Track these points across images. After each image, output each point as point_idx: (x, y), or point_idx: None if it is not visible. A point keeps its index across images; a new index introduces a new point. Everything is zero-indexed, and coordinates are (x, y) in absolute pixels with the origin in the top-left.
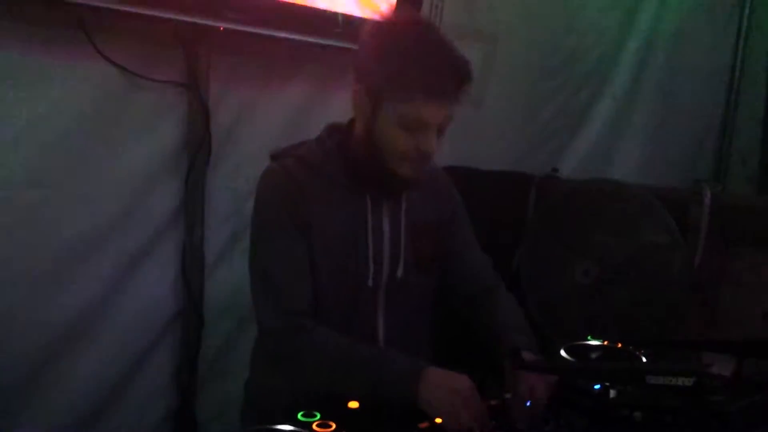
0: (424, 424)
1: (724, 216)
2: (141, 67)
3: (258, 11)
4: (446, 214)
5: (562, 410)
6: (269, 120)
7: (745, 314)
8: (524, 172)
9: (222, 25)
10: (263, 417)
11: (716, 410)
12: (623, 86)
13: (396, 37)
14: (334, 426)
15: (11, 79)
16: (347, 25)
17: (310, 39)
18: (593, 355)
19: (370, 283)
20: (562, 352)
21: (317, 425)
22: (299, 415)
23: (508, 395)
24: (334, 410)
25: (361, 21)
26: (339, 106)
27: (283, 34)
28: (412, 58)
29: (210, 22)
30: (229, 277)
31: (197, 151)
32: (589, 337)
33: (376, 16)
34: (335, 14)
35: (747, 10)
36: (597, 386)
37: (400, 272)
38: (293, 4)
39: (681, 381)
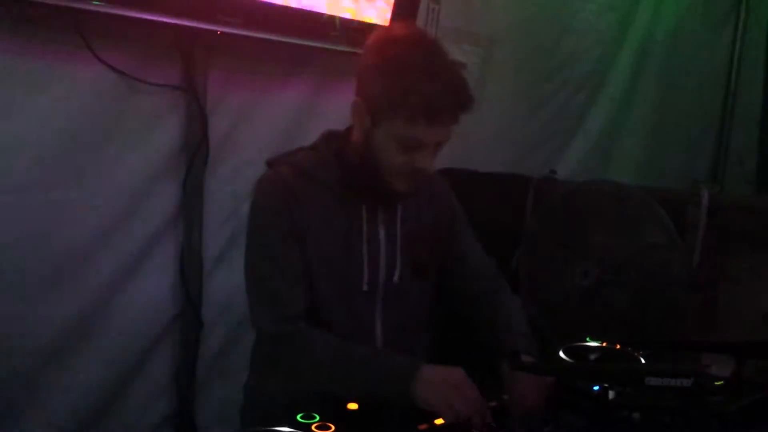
0: (423, 426)
1: (722, 216)
2: (138, 71)
3: (255, 15)
4: (443, 218)
5: (562, 411)
6: (267, 123)
7: (744, 315)
8: (522, 174)
9: (219, 29)
10: (262, 419)
11: (715, 411)
12: (621, 88)
13: (399, 56)
14: (333, 428)
15: (10, 84)
16: (345, 28)
17: (308, 42)
18: (592, 357)
19: (365, 287)
20: (561, 354)
21: (316, 427)
22: (298, 417)
23: (506, 397)
24: (333, 412)
25: (358, 24)
26: (336, 109)
27: (280, 38)
28: (414, 82)
29: (207, 26)
30: (228, 279)
31: (195, 154)
32: (588, 339)
33: (379, 27)
34: (333, 17)
35: (743, 12)
36: (596, 387)
37: (396, 278)
38: (290, 8)
39: (680, 382)
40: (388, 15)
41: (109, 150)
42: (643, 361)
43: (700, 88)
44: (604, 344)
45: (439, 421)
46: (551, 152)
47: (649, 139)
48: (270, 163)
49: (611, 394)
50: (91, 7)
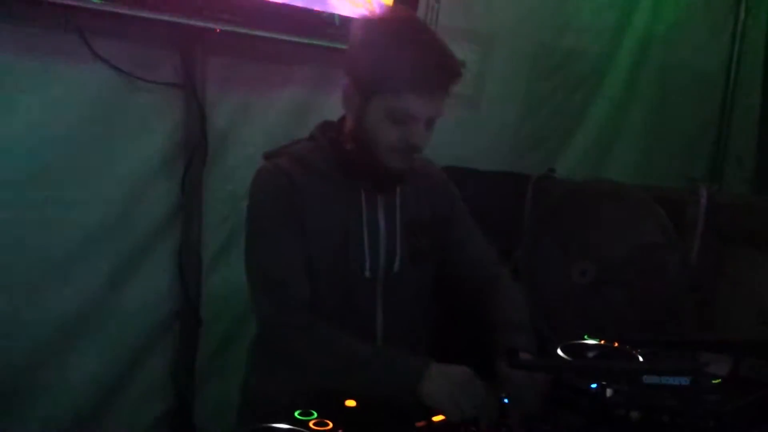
0: (420, 423)
1: (720, 216)
2: (137, 69)
3: (254, 13)
4: (442, 209)
5: (559, 409)
6: (265, 121)
7: (742, 313)
8: (521, 172)
9: (218, 27)
10: (260, 416)
11: (712, 410)
12: (619, 87)
13: (385, 32)
14: (331, 425)
15: (8, 82)
16: (343, 26)
17: (306, 40)
18: (590, 355)
19: (367, 274)
20: (559, 351)
21: (314, 424)
22: (296, 414)
23: (503, 395)
24: (331, 409)
25: None
26: (335, 107)
27: (278, 36)
28: (401, 53)
29: (206, 24)
30: (227, 277)
31: (194, 152)
32: (586, 337)
33: (366, 13)
34: (331, 15)
35: (742, 11)
36: (594, 385)
37: (396, 266)
38: (289, 6)
39: (678, 380)
40: None
41: (107, 147)
42: (641, 359)
43: (699, 87)
44: (602, 342)
45: (437, 419)
46: (550, 151)
47: (648, 139)
48: (267, 156)
49: (609, 393)
50: (90, 5)
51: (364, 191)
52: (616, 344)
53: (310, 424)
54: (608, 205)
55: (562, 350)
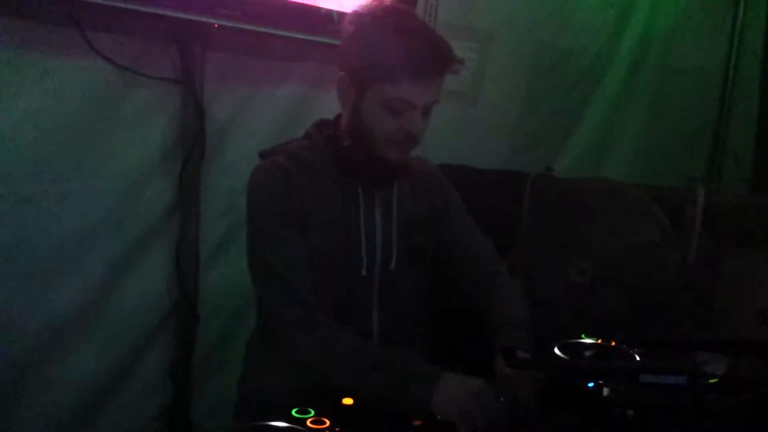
0: (418, 422)
1: (717, 215)
2: (135, 63)
3: (252, 8)
4: (439, 208)
5: (555, 408)
6: (264, 117)
7: (739, 313)
8: (519, 170)
9: (216, 22)
10: (257, 414)
11: (709, 409)
12: (618, 85)
13: (376, 22)
14: (328, 422)
15: (5, 76)
16: (342, 22)
17: (305, 36)
18: (587, 354)
19: (363, 272)
20: (556, 350)
21: (311, 422)
22: (293, 412)
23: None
24: (328, 407)
25: None
26: (333, 103)
27: (277, 31)
28: (393, 41)
29: (204, 19)
30: (224, 273)
31: (192, 147)
32: (582, 336)
33: (356, 7)
34: (330, 11)
35: (741, 10)
36: (590, 384)
37: (392, 265)
38: (288, 1)
39: (674, 379)
40: None
41: (105, 142)
42: (637, 358)
43: (698, 86)
44: (599, 341)
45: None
46: (548, 149)
47: (646, 138)
48: (263, 155)
49: (605, 391)
50: None
51: (361, 189)
52: (613, 343)
53: (307, 422)
54: (606, 203)
55: (559, 349)
